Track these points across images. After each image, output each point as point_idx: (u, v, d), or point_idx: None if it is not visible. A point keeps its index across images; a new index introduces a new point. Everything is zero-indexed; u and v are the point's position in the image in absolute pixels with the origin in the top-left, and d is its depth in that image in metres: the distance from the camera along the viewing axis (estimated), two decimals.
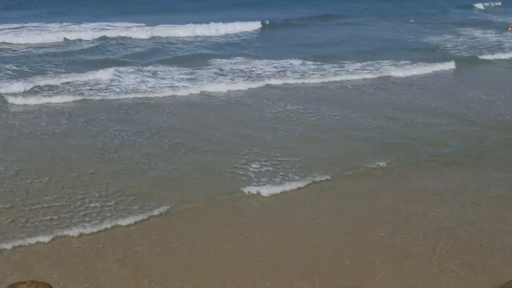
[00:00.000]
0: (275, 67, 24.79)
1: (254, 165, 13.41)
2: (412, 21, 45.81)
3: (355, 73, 24.24)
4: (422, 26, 42.60)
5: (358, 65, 25.78)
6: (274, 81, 22.16)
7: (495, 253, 9.80)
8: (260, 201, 11.64)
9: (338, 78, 23.10)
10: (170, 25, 35.78)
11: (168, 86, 20.78)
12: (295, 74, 23.62)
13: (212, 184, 12.32)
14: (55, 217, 10.51)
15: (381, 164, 13.52)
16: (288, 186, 12.26)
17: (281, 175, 12.84)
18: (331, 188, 12.37)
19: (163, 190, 11.96)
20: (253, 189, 11.99)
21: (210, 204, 11.37)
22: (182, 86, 20.82)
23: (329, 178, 12.76)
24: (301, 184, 12.41)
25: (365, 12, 52.03)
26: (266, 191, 11.97)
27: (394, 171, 13.31)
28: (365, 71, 24.59)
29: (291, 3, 58.82)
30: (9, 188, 11.72)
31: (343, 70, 24.68)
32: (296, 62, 25.88)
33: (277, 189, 12.08)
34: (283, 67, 24.84)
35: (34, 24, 34.19)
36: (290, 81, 22.37)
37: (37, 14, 39.36)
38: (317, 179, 12.64)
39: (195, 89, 20.50)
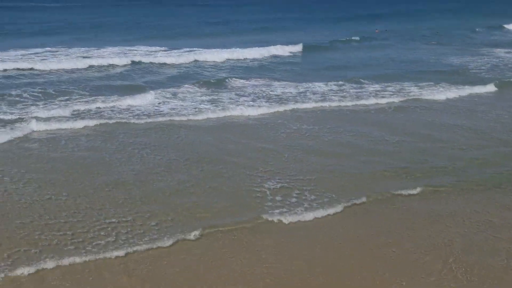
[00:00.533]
0: (297, 89, 24.86)
1: (273, 186, 13.42)
2: (434, 42, 45.78)
3: (378, 95, 24.08)
4: (445, 47, 42.56)
5: (382, 87, 25.68)
6: (297, 105, 21.96)
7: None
8: (281, 227, 11.38)
9: (367, 102, 22.84)
10: (194, 49, 36.35)
11: (191, 108, 20.91)
12: (316, 95, 23.68)
13: (233, 207, 12.17)
14: (69, 233, 10.63)
15: (412, 191, 13.13)
16: (310, 214, 11.84)
17: (305, 202, 12.42)
18: (354, 215, 12.13)
19: (176, 206, 12.01)
20: (275, 214, 11.72)
21: (232, 224, 11.25)
22: (204, 108, 20.95)
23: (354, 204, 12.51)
24: (322, 212, 11.99)
25: (385, 33, 52.15)
26: (288, 218, 11.64)
27: (423, 197, 12.93)
28: (388, 92, 24.51)
29: (310, 26, 59.30)
30: (27, 204, 11.89)
31: (365, 92, 24.64)
32: (320, 85, 25.91)
33: (298, 217, 11.70)
34: (306, 89, 24.90)
35: (60, 49, 34.87)
36: (313, 104, 22.17)
37: (63, 40, 40.19)
38: (347, 204, 12.35)
39: (216, 112, 20.51)
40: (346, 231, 11.21)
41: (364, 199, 12.61)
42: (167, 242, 10.42)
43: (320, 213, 11.95)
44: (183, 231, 10.83)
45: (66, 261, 9.56)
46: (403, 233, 11.08)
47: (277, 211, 11.89)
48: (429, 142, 17.27)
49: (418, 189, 13.23)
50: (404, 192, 13.07)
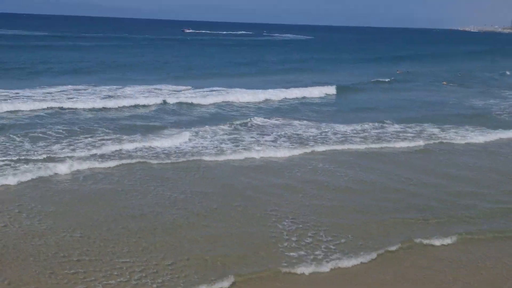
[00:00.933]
0: (319, 131, 24.75)
1: (289, 227, 13.27)
2: (446, 83, 46.15)
3: (400, 137, 23.91)
4: (468, 89, 42.51)
5: (404, 129, 25.56)
6: (318, 148, 21.55)
7: None
8: (298, 278, 10.95)
9: (388, 144, 22.44)
10: (221, 89, 36.63)
11: (212, 148, 20.89)
12: (337, 136, 23.60)
13: (249, 251, 11.89)
14: (81, 271, 10.58)
15: (444, 241, 12.69)
16: (332, 264, 11.42)
17: (330, 254, 11.94)
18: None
19: (190, 246, 11.91)
20: (294, 263, 11.35)
21: (247, 274, 10.80)
22: (226, 148, 20.83)
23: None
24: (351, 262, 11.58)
25: (408, 75, 52.63)
26: (307, 269, 11.19)
27: (450, 249, 12.44)
28: (410, 134, 24.35)
29: (337, 67, 59.75)
30: (41, 242, 11.90)
31: (387, 134, 24.48)
32: (343, 126, 25.85)
33: (324, 267, 11.29)
34: (330, 131, 24.82)
35: (88, 88, 35.40)
36: (335, 147, 21.83)
37: (92, 79, 40.85)
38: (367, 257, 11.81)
39: (237, 153, 20.29)
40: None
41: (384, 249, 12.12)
42: None
43: (345, 263, 11.53)
44: (197, 274, 10.67)
45: None
46: None
47: (295, 255, 11.65)
48: (452, 186, 17.00)
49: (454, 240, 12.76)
50: (430, 241, 12.65)
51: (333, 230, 13.03)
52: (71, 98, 31.15)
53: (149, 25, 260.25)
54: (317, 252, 11.84)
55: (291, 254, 11.73)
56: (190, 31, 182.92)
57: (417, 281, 10.81)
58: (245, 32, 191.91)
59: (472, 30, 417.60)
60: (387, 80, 46.80)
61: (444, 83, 46.53)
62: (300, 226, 13.25)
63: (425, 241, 12.63)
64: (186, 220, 13.44)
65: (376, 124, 26.04)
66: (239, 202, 14.80)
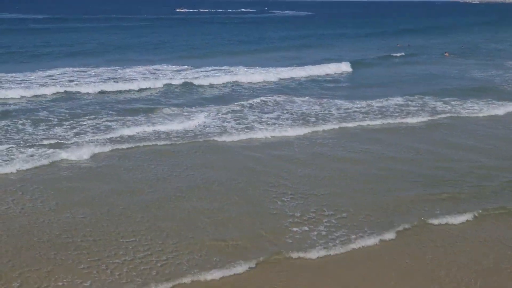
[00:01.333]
0: (320, 107, 24.66)
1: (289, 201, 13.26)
2: (448, 54, 45.89)
3: (403, 111, 23.87)
4: (476, 61, 42.40)
5: (406, 102, 25.58)
6: (319, 123, 21.53)
7: None
8: (307, 262, 10.66)
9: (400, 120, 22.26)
10: (224, 68, 36.34)
11: (215, 126, 20.86)
12: (340, 111, 23.56)
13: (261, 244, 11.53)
14: (85, 252, 10.62)
15: (459, 219, 12.41)
16: (348, 246, 11.12)
17: (342, 233, 11.67)
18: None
19: (194, 225, 11.95)
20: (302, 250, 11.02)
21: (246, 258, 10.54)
22: (229, 128, 20.67)
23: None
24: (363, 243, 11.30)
25: (408, 48, 52.65)
26: (315, 253, 10.86)
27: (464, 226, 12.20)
28: (413, 108, 24.28)
29: (336, 43, 59.43)
30: (46, 223, 11.94)
31: (392, 107, 24.39)
32: (345, 103, 25.79)
33: (341, 249, 10.99)
34: (334, 108, 24.78)
35: (89, 70, 35.17)
36: (336, 124, 21.48)
37: (93, 61, 40.67)
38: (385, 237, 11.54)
39: (240, 134, 19.95)
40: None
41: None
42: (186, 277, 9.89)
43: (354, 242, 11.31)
44: (200, 252, 10.71)
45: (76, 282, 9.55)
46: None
47: (298, 230, 11.66)
48: (463, 157, 17.05)
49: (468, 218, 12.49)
50: (440, 219, 12.43)
51: (335, 204, 13.07)
52: (72, 81, 30.91)
53: (137, 3, 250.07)
54: (320, 227, 11.83)
55: (294, 229, 11.75)
56: (184, 10, 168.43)
57: (426, 259, 10.73)
58: (245, 10, 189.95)
59: (474, 2, 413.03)
60: (398, 54, 46.70)
61: (446, 54, 46.37)
62: (301, 202, 13.24)
63: (435, 219, 12.35)
64: (189, 197, 13.55)
65: (385, 98, 26.11)
66: (243, 177, 14.90)
